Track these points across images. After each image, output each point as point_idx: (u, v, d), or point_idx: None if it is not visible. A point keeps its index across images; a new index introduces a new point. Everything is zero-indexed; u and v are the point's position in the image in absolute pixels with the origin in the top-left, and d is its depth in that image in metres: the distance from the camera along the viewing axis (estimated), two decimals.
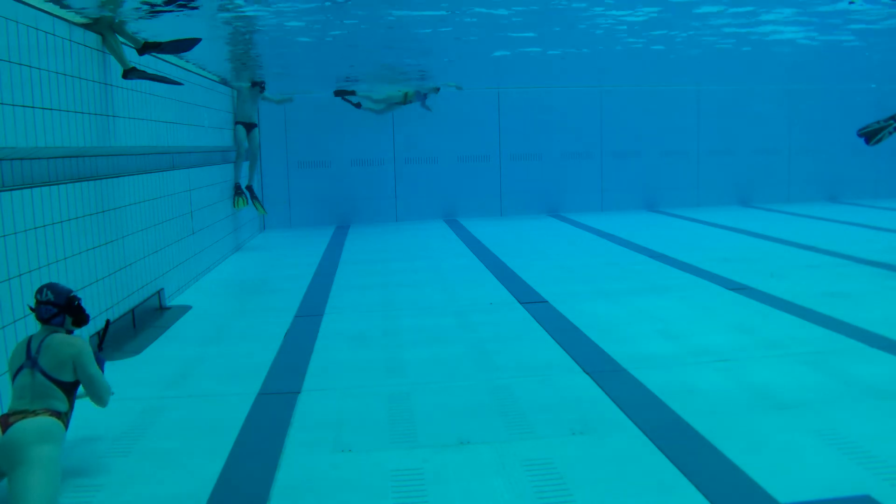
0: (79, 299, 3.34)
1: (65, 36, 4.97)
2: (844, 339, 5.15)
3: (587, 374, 4.59)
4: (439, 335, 5.63)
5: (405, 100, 12.01)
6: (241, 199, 10.14)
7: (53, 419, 3.01)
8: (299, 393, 4.42)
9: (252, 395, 4.40)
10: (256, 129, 10.54)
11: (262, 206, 11.09)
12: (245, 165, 10.55)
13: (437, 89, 12.11)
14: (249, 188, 10.44)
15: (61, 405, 3.12)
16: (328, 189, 13.23)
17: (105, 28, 5.56)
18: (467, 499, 3.08)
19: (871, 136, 7.37)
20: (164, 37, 5.92)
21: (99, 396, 3.30)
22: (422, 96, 12.06)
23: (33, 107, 4.42)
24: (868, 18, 7.54)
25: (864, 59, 10.67)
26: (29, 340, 3.21)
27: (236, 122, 10.30)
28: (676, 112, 13.95)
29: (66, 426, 3.15)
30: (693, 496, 3.03)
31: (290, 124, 12.86)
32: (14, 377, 3.14)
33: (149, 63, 6.48)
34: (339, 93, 11.99)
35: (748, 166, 14.49)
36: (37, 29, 4.53)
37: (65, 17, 5.06)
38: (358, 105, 12.19)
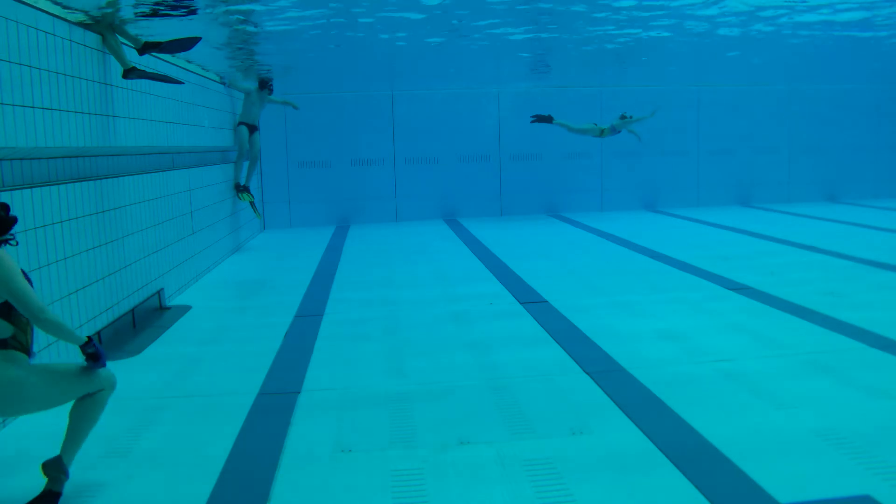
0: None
1: (65, 36, 4.97)
2: (844, 339, 5.15)
3: (587, 373, 4.59)
4: (439, 335, 5.63)
5: (601, 135, 11.88)
6: (245, 193, 10.16)
7: None
8: (299, 393, 4.42)
9: (252, 395, 4.40)
10: (258, 133, 10.52)
11: (258, 211, 11.07)
12: (245, 166, 10.55)
13: (623, 116, 11.80)
14: (245, 187, 10.43)
15: (2, 331, 2.89)
16: (328, 189, 13.24)
17: (105, 28, 5.56)
18: (467, 499, 3.08)
19: None
20: (181, 34, 5.93)
21: (28, 311, 2.89)
22: (616, 130, 11.88)
23: (33, 107, 4.42)
24: None
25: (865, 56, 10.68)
26: None
27: (240, 123, 10.29)
28: (676, 112, 13.96)
29: (27, 350, 2.97)
30: (693, 496, 3.03)
31: (290, 124, 12.86)
32: None
33: (149, 63, 6.48)
34: (537, 118, 11.81)
35: (748, 166, 14.50)
36: (37, 29, 4.53)
37: (65, 16, 5.06)
38: (549, 118, 11.87)
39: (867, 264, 7.85)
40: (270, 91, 10.56)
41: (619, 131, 11.83)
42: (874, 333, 5.19)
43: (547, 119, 11.70)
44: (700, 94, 14.04)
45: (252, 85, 10.36)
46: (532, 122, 11.93)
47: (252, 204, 10.61)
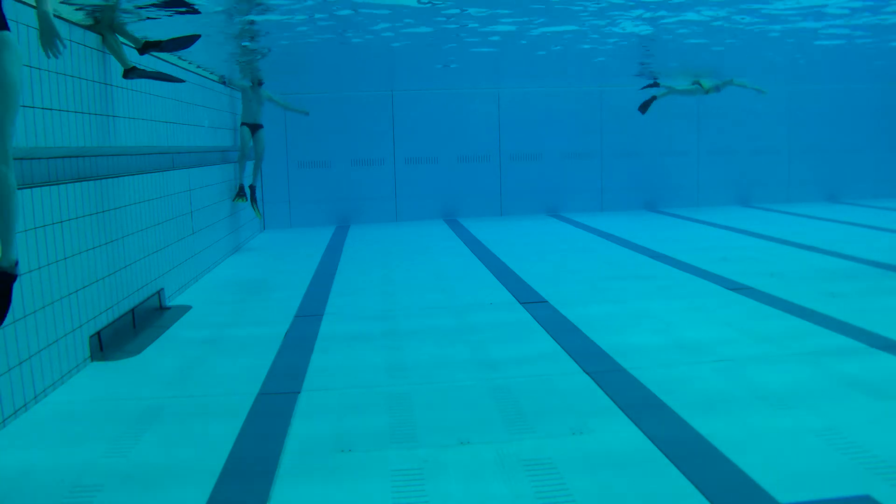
0: None
1: (65, 36, 4.97)
2: (844, 339, 5.15)
3: (587, 373, 4.59)
4: (439, 335, 5.63)
5: (706, 92, 11.80)
6: (241, 197, 10.14)
7: None
8: (299, 393, 4.42)
9: (252, 395, 4.40)
10: (262, 131, 10.45)
11: (259, 211, 10.95)
12: (249, 165, 10.55)
13: (731, 81, 11.72)
14: (252, 188, 10.42)
15: None
16: (328, 189, 13.24)
17: (105, 28, 5.56)
18: (467, 499, 3.08)
19: None
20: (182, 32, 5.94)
21: None
22: (719, 89, 11.83)
23: (33, 107, 4.42)
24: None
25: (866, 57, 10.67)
26: None
27: (242, 124, 10.28)
28: (676, 112, 13.96)
29: None
30: (693, 496, 3.03)
31: (290, 124, 12.86)
32: None
33: (149, 63, 6.48)
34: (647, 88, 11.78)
35: (748, 166, 14.50)
36: (37, 29, 4.53)
37: (65, 16, 5.06)
38: (653, 97, 11.80)
39: (867, 264, 7.85)
40: (261, 83, 10.44)
41: (721, 90, 11.77)
42: (874, 333, 5.19)
43: (654, 85, 11.67)
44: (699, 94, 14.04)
45: (246, 83, 10.35)
46: (643, 88, 11.87)
47: (253, 204, 10.54)
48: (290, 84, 11.68)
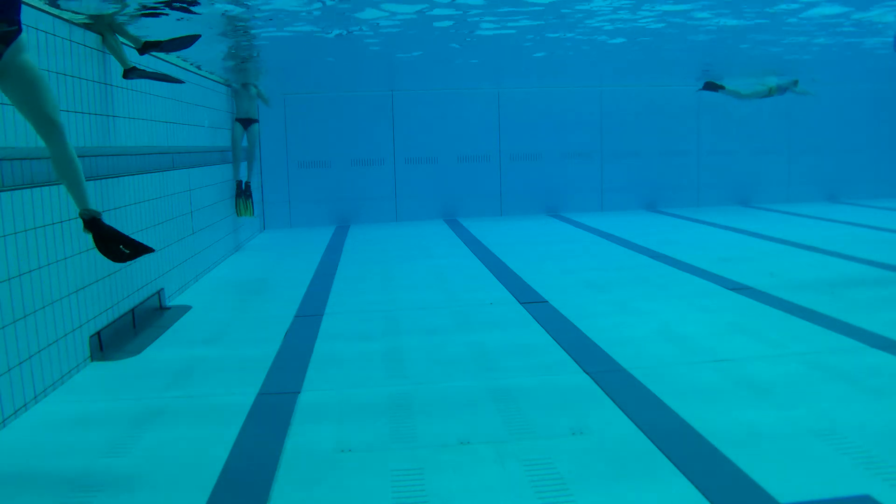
0: None
1: (65, 36, 4.98)
2: (844, 339, 5.15)
3: (587, 373, 4.59)
4: (439, 335, 5.63)
5: (769, 93, 11.73)
6: (241, 201, 10.12)
7: None
8: (299, 393, 4.42)
9: (252, 395, 4.40)
10: (256, 125, 10.42)
11: (251, 208, 10.50)
12: (244, 162, 10.54)
13: (796, 82, 11.45)
14: (247, 184, 10.39)
15: None
16: (328, 189, 13.24)
17: (105, 28, 5.56)
18: (467, 499, 3.08)
19: None
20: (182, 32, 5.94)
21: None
22: (783, 90, 11.75)
23: None
24: None
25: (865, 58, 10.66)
26: None
27: (235, 120, 10.29)
28: (676, 112, 13.96)
29: None
30: (693, 496, 3.03)
31: (290, 124, 12.87)
32: None
33: (149, 63, 6.48)
34: (708, 85, 11.63)
35: (748, 166, 14.50)
36: (37, 29, 4.53)
37: (65, 17, 5.06)
38: (722, 87, 11.68)
39: (867, 264, 7.85)
40: (247, 81, 10.47)
41: (785, 92, 11.64)
42: (874, 333, 5.19)
43: (720, 87, 11.50)
44: (700, 95, 14.03)
45: (236, 82, 10.38)
46: (700, 90, 11.74)
47: (247, 200, 10.34)
48: (289, 84, 11.67)
